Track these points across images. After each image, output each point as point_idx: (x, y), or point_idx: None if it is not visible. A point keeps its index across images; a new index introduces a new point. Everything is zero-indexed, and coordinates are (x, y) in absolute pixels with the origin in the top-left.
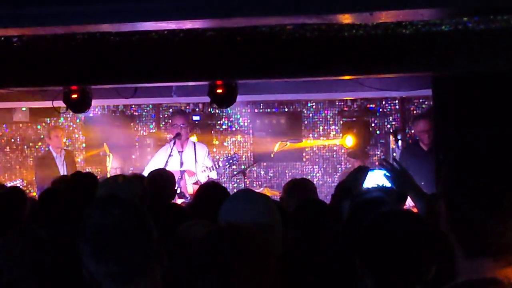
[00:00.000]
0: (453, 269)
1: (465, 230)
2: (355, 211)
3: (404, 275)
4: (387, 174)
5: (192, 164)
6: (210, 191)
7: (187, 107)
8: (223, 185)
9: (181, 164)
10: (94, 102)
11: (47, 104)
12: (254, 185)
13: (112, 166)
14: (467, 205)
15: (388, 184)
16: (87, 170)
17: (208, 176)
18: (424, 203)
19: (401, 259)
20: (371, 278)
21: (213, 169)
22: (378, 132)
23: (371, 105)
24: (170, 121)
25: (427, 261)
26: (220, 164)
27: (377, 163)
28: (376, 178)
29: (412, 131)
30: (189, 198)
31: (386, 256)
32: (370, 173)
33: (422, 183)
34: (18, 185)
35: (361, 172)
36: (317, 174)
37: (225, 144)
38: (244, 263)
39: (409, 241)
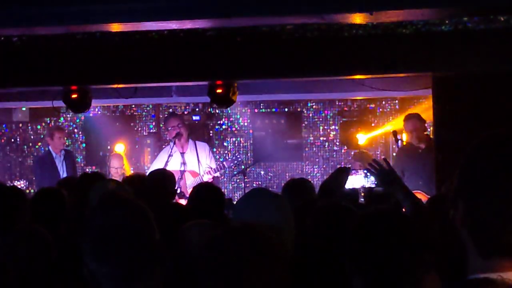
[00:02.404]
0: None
1: (482, 230)
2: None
3: (392, 275)
4: (374, 173)
5: (195, 165)
6: (203, 191)
7: (187, 107)
8: (223, 185)
9: (184, 165)
10: (94, 102)
11: (47, 104)
12: (254, 185)
13: (113, 166)
14: (486, 205)
15: (369, 184)
16: (87, 170)
17: (213, 178)
18: (411, 203)
19: (388, 259)
20: (360, 278)
21: (217, 170)
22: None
23: (371, 105)
24: (166, 125)
25: (415, 261)
26: (225, 165)
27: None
28: (361, 179)
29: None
30: None
31: (373, 256)
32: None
33: (420, 182)
34: (22, 185)
35: (342, 173)
36: (317, 174)
37: (225, 144)
38: (258, 264)
39: (395, 241)
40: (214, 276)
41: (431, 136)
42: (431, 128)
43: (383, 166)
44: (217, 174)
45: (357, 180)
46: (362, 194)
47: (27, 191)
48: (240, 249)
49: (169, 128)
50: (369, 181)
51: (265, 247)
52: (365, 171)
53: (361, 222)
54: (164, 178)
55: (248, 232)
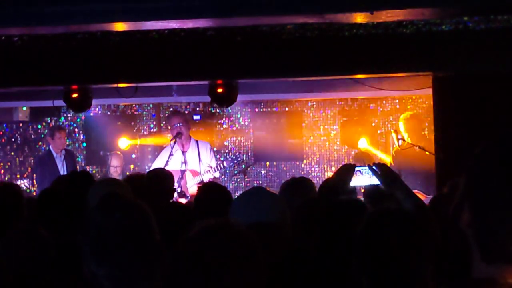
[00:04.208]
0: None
1: (488, 236)
2: (336, 215)
3: (399, 275)
4: (377, 172)
5: (196, 164)
6: (210, 191)
7: (188, 107)
8: (223, 184)
9: (185, 163)
10: (94, 102)
11: (48, 103)
12: (255, 184)
13: (112, 165)
14: (492, 211)
15: (375, 182)
16: (87, 169)
17: (214, 177)
18: (412, 203)
19: (395, 259)
20: (367, 278)
21: (217, 170)
22: (378, 131)
23: (371, 105)
24: (168, 124)
25: (422, 260)
26: (225, 164)
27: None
28: (365, 177)
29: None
30: (190, 197)
31: (380, 257)
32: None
33: (418, 182)
34: (22, 185)
35: (347, 171)
36: (318, 174)
37: (226, 143)
38: (235, 262)
39: (403, 241)
40: (190, 275)
41: (430, 136)
42: (427, 128)
43: (385, 165)
44: (217, 174)
45: (360, 179)
46: (362, 191)
47: (28, 190)
48: (214, 247)
49: (173, 126)
50: (370, 180)
51: (240, 245)
52: (365, 170)
53: (369, 223)
54: (162, 177)
55: (222, 230)
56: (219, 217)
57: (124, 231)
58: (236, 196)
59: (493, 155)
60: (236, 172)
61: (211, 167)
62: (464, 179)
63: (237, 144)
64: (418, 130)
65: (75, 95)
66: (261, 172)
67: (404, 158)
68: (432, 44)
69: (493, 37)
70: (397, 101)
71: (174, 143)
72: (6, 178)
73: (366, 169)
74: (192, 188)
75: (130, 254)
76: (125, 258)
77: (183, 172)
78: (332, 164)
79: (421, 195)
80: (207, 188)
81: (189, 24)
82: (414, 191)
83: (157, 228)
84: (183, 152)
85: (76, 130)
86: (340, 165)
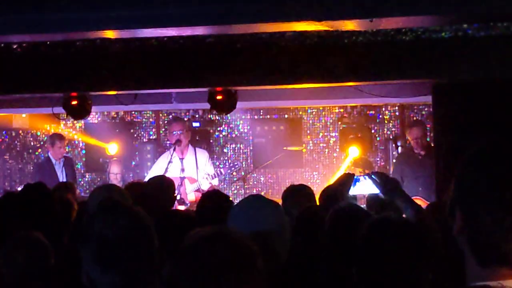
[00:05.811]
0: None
1: (482, 239)
2: (337, 221)
3: (398, 283)
4: (376, 180)
5: (193, 171)
6: (212, 199)
7: (187, 114)
8: (223, 191)
9: (182, 170)
10: (94, 109)
11: (47, 110)
12: (254, 191)
13: (112, 172)
14: (485, 214)
15: (375, 190)
16: (87, 176)
17: (211, 184)
18: (413, 210)
19: (395, 267)
20: (366, 285)
21: (215, 176)
22: (378, 138)
23: (371, 112)
24: (168, 129)
25: (422, 268)
26: (222, 171)
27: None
28: (365, 185)
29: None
30: (189, 204)
31: (380, 264)
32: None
33: (420, 189)
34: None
35: (347, 179)
36: (317, 181)
37: (225, 150)
38: (233, 270)
39: (403, 249)
40: (189, 283)
41: (431, 143)
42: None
43: (384, 173)
44: (215, 181)
45: (363, 187)
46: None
47: None
48: (213, 256)
49: (173, 133)
50: (370, 188)
51: (238, 253)
52: (365, 177)
53: (369, 232)
54: (164, 184)
55: (222, 239)
56: (220, 225)
57: (127, 238)
58: (235, 204)
59: (480, 160)
60: (235, 179)
61: (209, 174)
62: (453, 185)
63: (236, 151)
64: (425, 137)
65: (74, 102)
66: (261, 179)
67: (405, 164)
68: (432, 51)
69: (492, 44)
70: (396, 107)
71: (173, 150)
72: (6, 184)
73: (364, 177)
74: (189, 195)
75: (133, 260)
76: (128, 265)
77: (182, 179)
78: (331, 171)
79: (422, 202)
80: (209, 196)
81: (188, 31)
82: (415, 197)
83: (156, 235)
84: (181, 159)
85: (75, 137)
86: (340, 173)
